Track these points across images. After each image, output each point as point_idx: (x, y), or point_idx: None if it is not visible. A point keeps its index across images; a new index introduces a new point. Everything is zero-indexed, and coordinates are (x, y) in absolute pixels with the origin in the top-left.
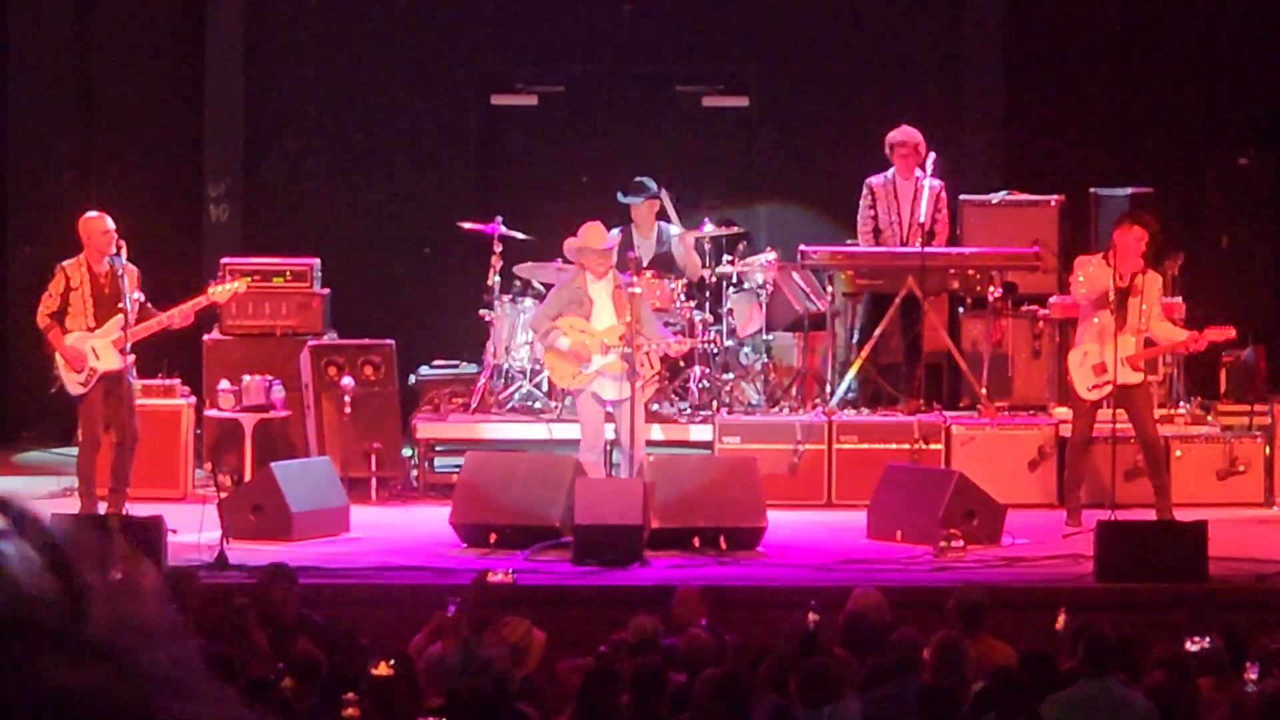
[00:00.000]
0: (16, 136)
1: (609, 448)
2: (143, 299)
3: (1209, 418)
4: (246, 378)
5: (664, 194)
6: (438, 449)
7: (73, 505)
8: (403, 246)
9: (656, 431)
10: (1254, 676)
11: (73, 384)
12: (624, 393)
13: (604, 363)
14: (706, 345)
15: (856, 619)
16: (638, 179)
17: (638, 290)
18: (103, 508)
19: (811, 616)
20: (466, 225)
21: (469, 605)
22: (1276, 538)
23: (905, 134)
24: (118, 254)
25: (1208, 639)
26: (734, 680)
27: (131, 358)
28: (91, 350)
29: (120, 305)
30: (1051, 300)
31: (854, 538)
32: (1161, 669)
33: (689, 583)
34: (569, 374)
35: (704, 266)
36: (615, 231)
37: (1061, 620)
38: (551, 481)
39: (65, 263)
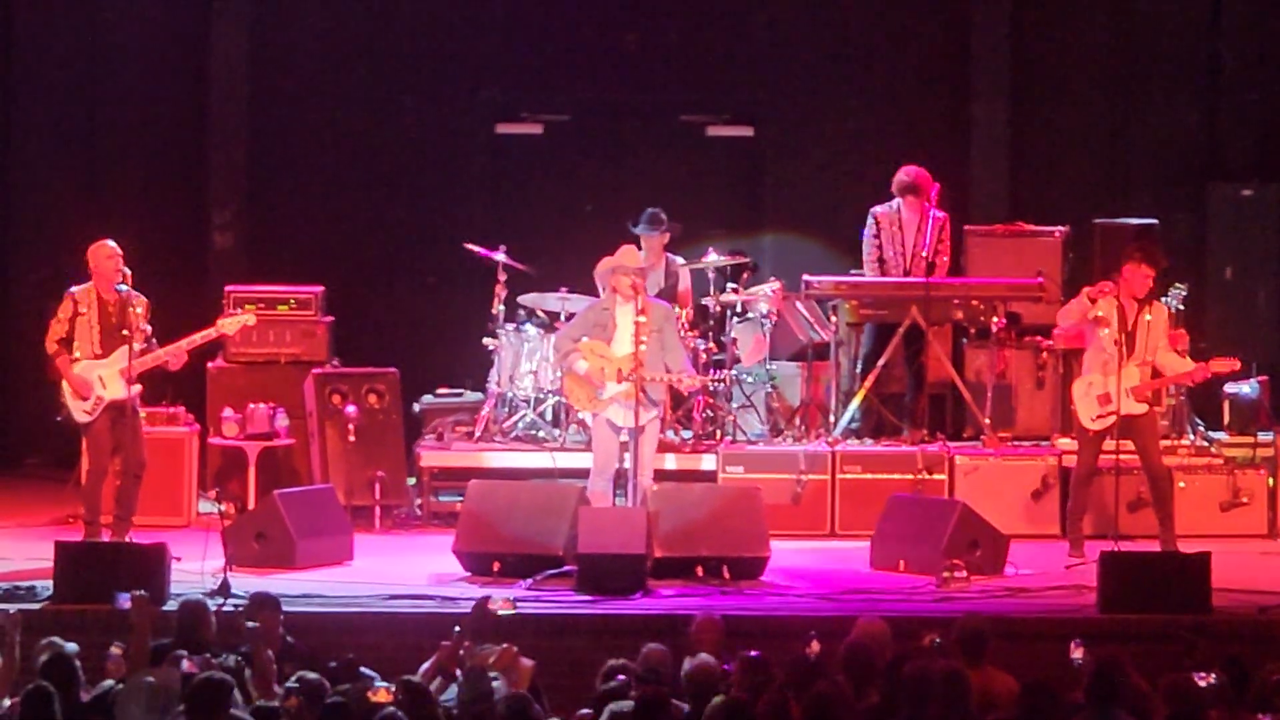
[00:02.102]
0: (21, 163)
1: (617, 477)
2: (148, 331)
3: (1212, 449)
4: (250, 405)
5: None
6: (441, 477)
7: (76, 533)
8: (407, 275)
9: (670, 461)
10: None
11: (79, 412)
12: (630, 420)
13: (618, 390)
14: (715, 385)
15: (859, 649)
16: (651, 210)
17: (642, 319)
18: (107, 536)
19: (814, 645)
20: (472, 247)
21: (468, 633)
22: (1279, 569)
23: (913, 177)
24: (124, 283)
25: (1212, 674)
26: (736, 709)
27: (138, 387)
28: (99, 379)
29: (124, 334)
30: (1054, 331)
31: (857, 568)
32: (1168, 703)
33: (708, 611)
34: (585, 397)
35: (708, 295)
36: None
37: (1079, 652)
38: (555, 510)
39: (75, 289)
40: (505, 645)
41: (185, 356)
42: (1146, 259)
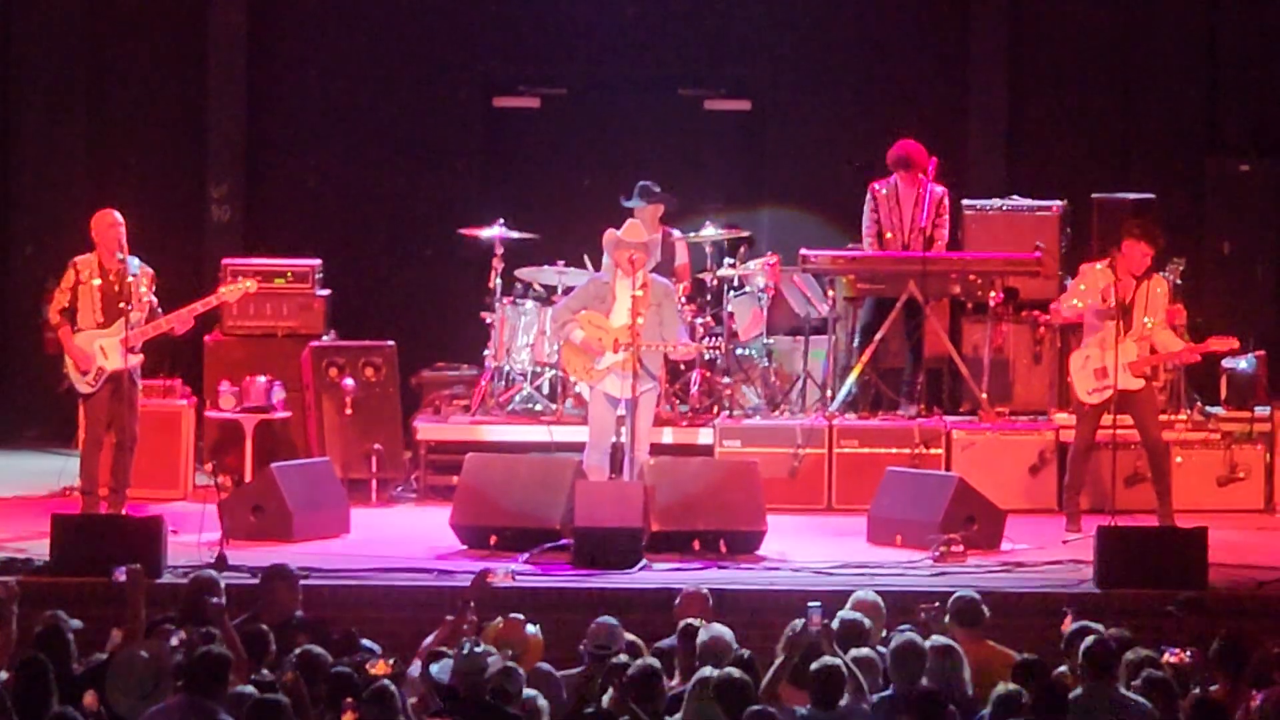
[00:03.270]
0: (21, 137)
1: (613, 450)
2: (154, 301)
3: (1210, 424)
4: (247, 379)
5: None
6: (438, 451)
7: (74, 505)
8: (404, 248)
9: (667, 434)
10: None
11: (81, 384)
12: (626, 391)
13: (614, 360)
14: (711, 352)
15: (852, 622)
16: (642, 183)
17: (639, 292)
18: (104, 508)
19: (814, 619)
20: (466, 232)
21: (468, 605)
22: (1276, 544)
23: (907, 150)
24: (124, 254)
25: (1187, 651)
26: (733, 684)
27: (139, 357)
28: (100, 349)
29: (122, 305)
30: (1052, 306)
31: (854, 542)
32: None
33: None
34: (582, 367)
35: (705, 269)
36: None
37: (1067, 622)
38: (552, 484)
39: (77, 259)
40: (512, 616)
41: (191, 321)
42: (1144, 235)
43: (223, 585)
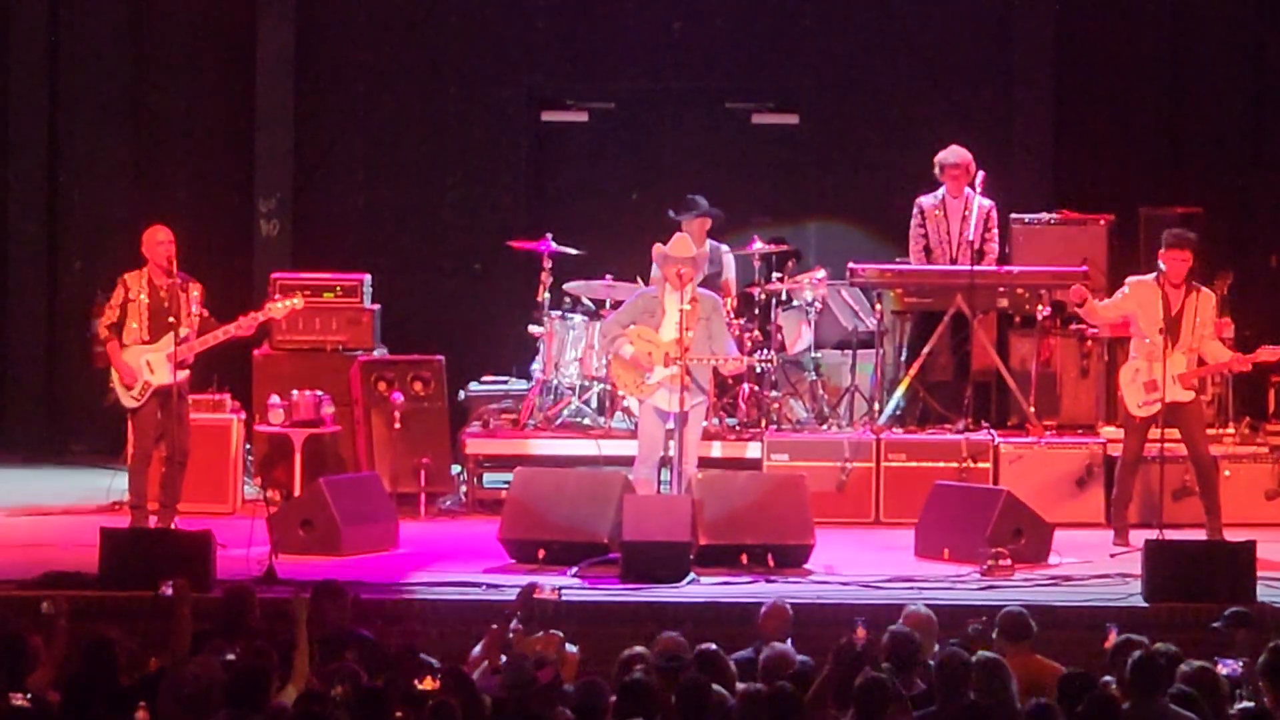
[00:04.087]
0: (69, 153)
1: (661, 464)
2: (205, 314)
3: (1258, 438)
4: (296, 393)
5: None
6: (487, 465)
7: (123, 520)
8: (452, 262)
9: (715, 448)
10: None
11: (126, 398)
12: (675, 405)
13: (664, 374)
14: (762, 365)
15: (904, 637)
16: (690, 196)
17: (686, 307)
18: (153, 522)
19: (860, 633)
20: (515, 244)
21: (515, 620)
22: None
23: (955, 155)
24: (172, 269)
25: (1240, 662)
26: (781, 696)
27: (185, 373)
28: (145, 364)
29: (170, 320)
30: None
31: (901, 555)
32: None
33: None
34: (631, 382)
35: (753, 283)
36: (723, 248)
37: (1111, 638)
38: (600, 498)
39: (127, 274)
40: (550, 632)
41: (254, 327)
42: (1176, 242)
43: (256, 597)
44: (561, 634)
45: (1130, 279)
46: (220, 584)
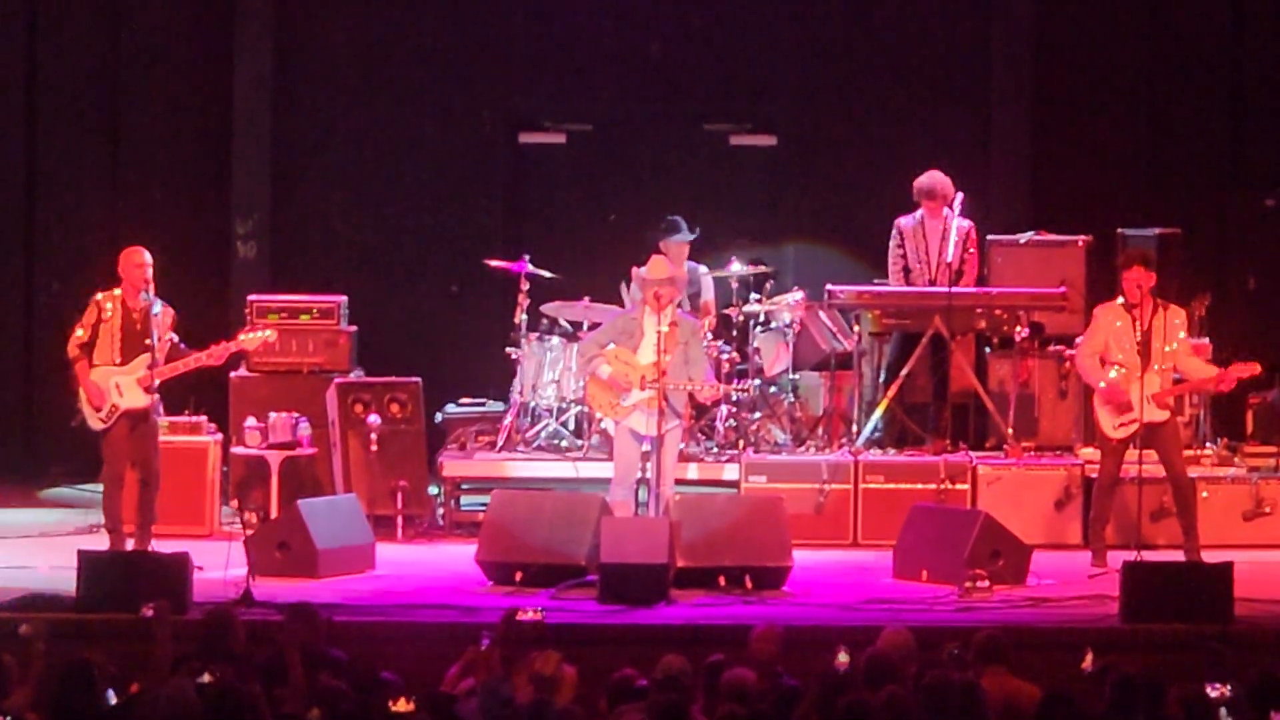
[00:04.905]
0: (44, 173)
1: (638, 486)
2: (175, 339)
3: (1235, 459)
4: (273, 415)
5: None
6: (464, 487)
7: (101, 542)
8: (429, 284)
9: (692, 470)
10: None
11: (93, 419)
12: (652, 428)
13: (640, 397)
14: (739, 394)
15: (882, 659)
16: (671, 217)
17: (664, 329)
18: (130, 545)
19: (841, 657)
20: (493, 263)
21: (498, 643)
22: None
23: (933, 181)
24: (149, 292)
25: (1228, 685)
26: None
27: (155, 397)
28: (115, 387)
29: (148, 343)
30: (1077, 341)
31: (879, 577)
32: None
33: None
34: (607, 403)
35: (731, 305)
36: (702, 269)
37: (1088, 660)
38: (578, 520)
39: (99, 295)
40: (549, 652)
41: (223, 359)
42: (1127, 262)
43: (239, 619)
44: (560, 655)
45: (1097, 308)
46: (198, 606)
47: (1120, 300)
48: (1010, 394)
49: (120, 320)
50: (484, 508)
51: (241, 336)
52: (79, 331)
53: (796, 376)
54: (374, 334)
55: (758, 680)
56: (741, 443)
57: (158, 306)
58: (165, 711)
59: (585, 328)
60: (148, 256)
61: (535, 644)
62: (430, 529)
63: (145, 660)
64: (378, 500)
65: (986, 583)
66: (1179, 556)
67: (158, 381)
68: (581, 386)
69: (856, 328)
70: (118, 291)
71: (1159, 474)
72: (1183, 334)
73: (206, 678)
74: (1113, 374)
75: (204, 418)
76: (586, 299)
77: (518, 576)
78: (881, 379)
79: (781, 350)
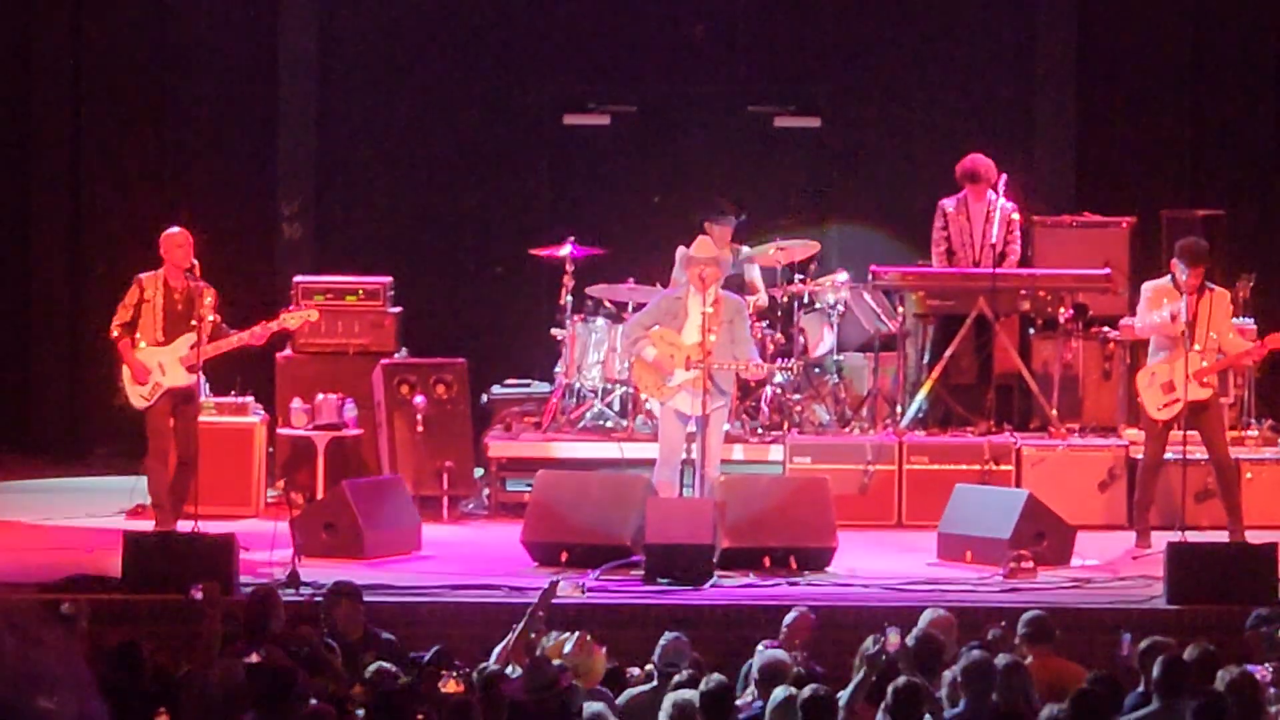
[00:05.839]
0: (91, 156)
1: (683, 467)
2: (218, 320)
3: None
4: (319, 396)
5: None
6: (509, 468)
7: (146, 522)
8: (475, 265)
9: (738, 451)
10: None
11: (136, 397)
12: (697, 409)
13: (686, 377)
14: (784, 371)
15: (927, 640)
16: (717, 199)
17: (709, 309)
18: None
19: (892, 638)
20: (537, 252)
21: (538, 618)
22: None
23: (976, 164)
24: (193, 272)
25: (1271, 668)
26: (818, 701)
27: (198, 376)
28: (159, 365)
29: (191, 323)
30: (1122, 322)
31: (924, 558)
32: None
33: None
34: (653, 384)
35: (775, 285)
36: (745, 250)
37: (1125, 647)
38: (623, 500)
39: (143, 275)
40: (579, 633)
41: (266, 338)
42: (1184, 257)
43: (281, 599)
44: (589, 635)
45: (1146, 285)
46: (244, 587)
47: (1168, 280)
48: (1054, 375)
49: (163, 300)
50: (529, 488)
51: (284, 316)
52: (121, 311)
53: (841, 357)
54: (419, 315)
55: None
56: (786, 424)
57: (200, 286)
58: (214, 692)
59: (630, 309)
60: (189, 237)
61: (574, 623)
62: (476, 510)
63: (190, 641)
64: (423, 481)
65: (1030, 563)
66: (1223, 537)
67: (199, 362)
68: (626, 367)
69: (901, 309)
70: (159, 272)
71: (1203, 455)
72: (1231, 318)
73: (254, 658)
74: (1155, 364)
75: (250, 398)
76: (631, 280)
77: (563, 557)
78: (926, 360)
79: (826, 331)
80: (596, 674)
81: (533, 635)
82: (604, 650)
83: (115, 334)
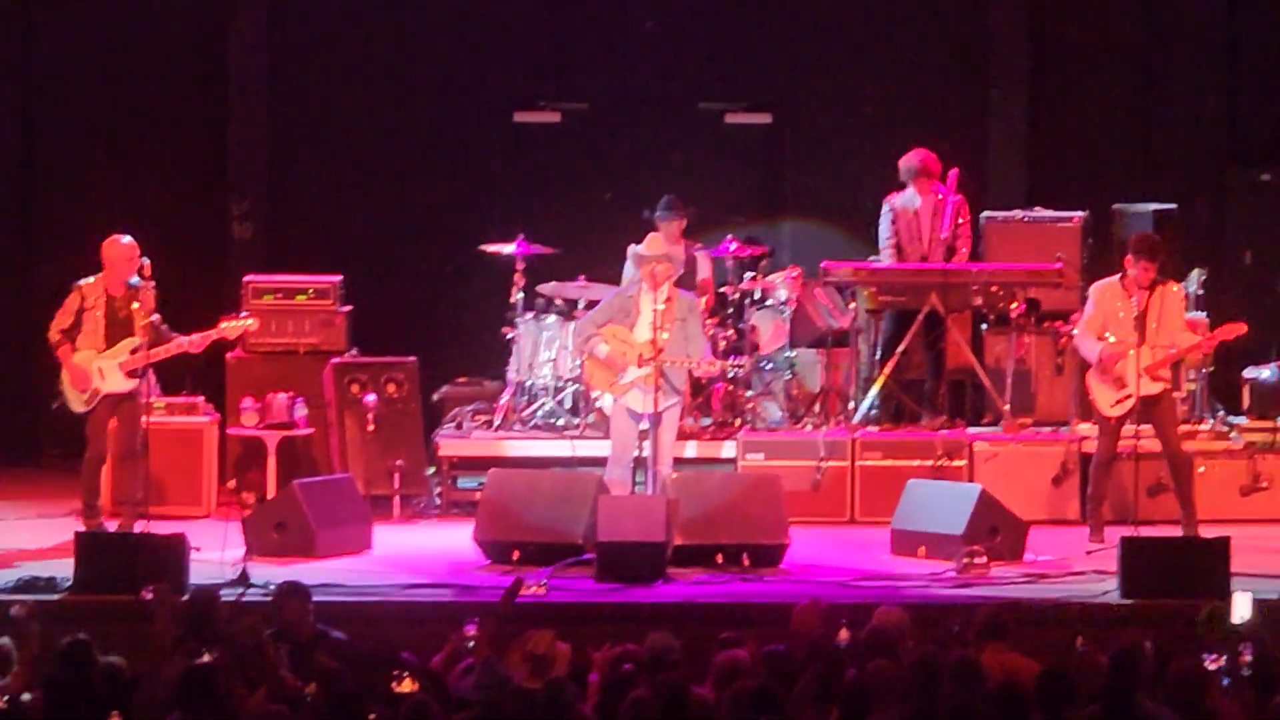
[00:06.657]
0: (42, 156)
1: (635, 464)
2: (158, 320)
3: (1231, 434)
4: (270, 395)
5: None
6: (460, 466)
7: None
8: (426, 264)
9: (690, 448)
10: None
11: (75, 401)
12: (649, 406)
13: (638, 374)
14: (735, 370)
15: (879, 635)
16: (667, 196)
17: (660, 306)
18: (115, 525)
19: (843, 633)
20: (489, 249)
21: (500, 614)
22: None
23: (920, 159)
24: (140, 275)
25: (1224, 657)
26: (766, 695)
27: (139, 380)
28: (97, 371)
29: (136, 326)
30: (1073, 317)
31: (877, 554)
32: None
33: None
34: (605, 381)
35: (725, 284)
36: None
37: (1079, 644)
38: (575, 498)
39: (82, 282)
40: (545, 630)
41: (207, 343)
42: (1139, 253)
43: (221, 600)
44: (554, 632)
45: (1094, 286)
46: (197, 588)
47: (1118, 277)
48: (1006, 370)
49: (104, 308)
50: (481, 487)
51: (223, 324)
52: (60, 317)
53: (793, 354)
54: (370, 314)
55: (800, 655)
56: (738, 420)
57: (135, 282)
58: (164, 692)
59: (581, 306)
60: (134, 245)
61: (533, 621)
62: (427, 509)
63: (142, 641)
64: (375, 480)
65: (984, 559)
66: (1176, 532)
67: (139, 367)
68: (578, 365)
69: (852, 305)
70: (99, 280)
71: (1156, 449)
72: (1182, 310)
73: (206, 658)
74: (1109, 338)
75: (201, 398)
76: (582, 278)
77: (515, 555)
78: (878, 356)
79: (778, 327)
80: (561, 664)
81: (488, 636)
82: (568, 646)
83: (55, 339)
